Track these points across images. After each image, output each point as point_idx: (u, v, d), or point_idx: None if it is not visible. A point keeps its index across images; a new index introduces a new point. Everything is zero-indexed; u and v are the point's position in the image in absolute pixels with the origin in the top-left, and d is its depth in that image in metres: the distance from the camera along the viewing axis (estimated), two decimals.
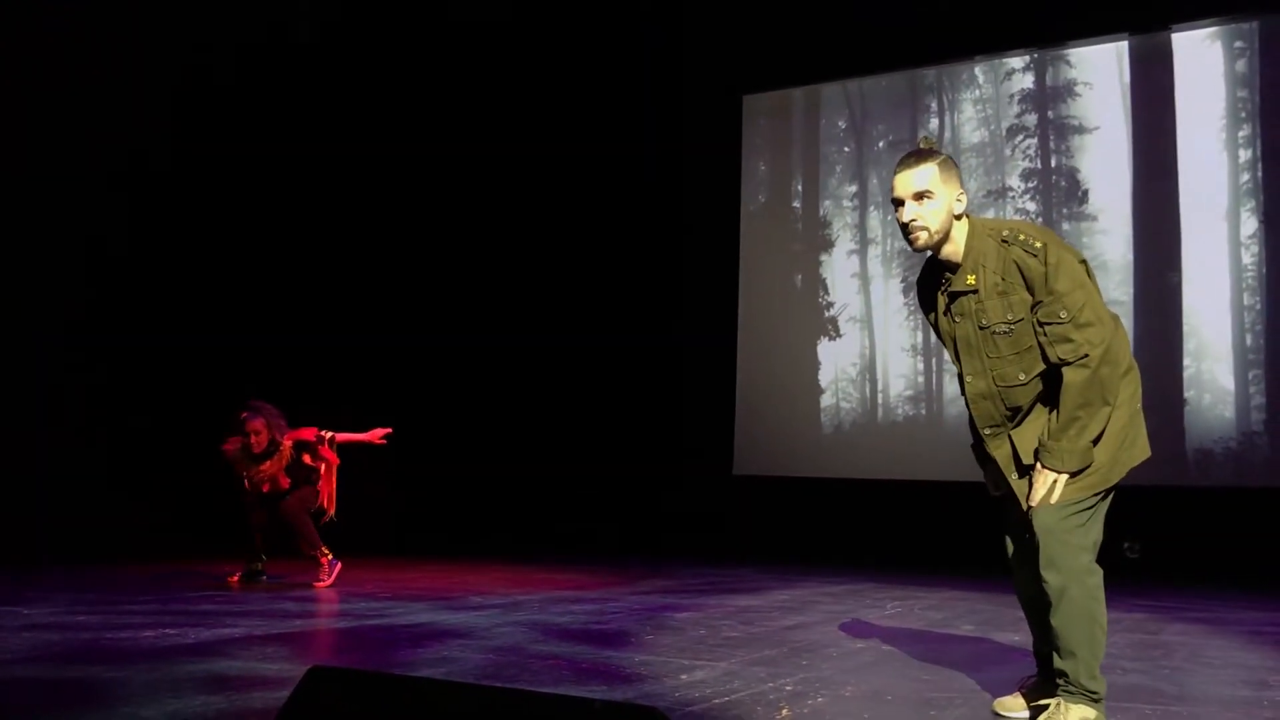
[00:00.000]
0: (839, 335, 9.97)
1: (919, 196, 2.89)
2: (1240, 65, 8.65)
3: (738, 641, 4.44)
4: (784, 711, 3.06)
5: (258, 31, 9.21)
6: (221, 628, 4.50)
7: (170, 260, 8.97)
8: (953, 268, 2.96)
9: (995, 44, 9.51)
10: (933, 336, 9.50)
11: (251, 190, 9.45)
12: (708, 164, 10.51)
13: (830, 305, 10.07)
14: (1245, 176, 8.51)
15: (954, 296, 2.96)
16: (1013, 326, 2.86)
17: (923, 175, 2.90)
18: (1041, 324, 2.81)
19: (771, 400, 10.15)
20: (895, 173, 2.95)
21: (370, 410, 7.48)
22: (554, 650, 4.10)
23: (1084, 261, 2.89)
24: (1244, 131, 8.54)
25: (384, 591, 6.13)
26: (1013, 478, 3.01)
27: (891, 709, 3.16)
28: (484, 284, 11.00)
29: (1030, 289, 2.82)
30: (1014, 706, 3.10)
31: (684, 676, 3.57)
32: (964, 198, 2.96)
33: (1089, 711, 2.81)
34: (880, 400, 9.73)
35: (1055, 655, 2.86)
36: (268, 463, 6.50)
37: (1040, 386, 2.92)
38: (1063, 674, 2.85)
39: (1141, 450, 2.94)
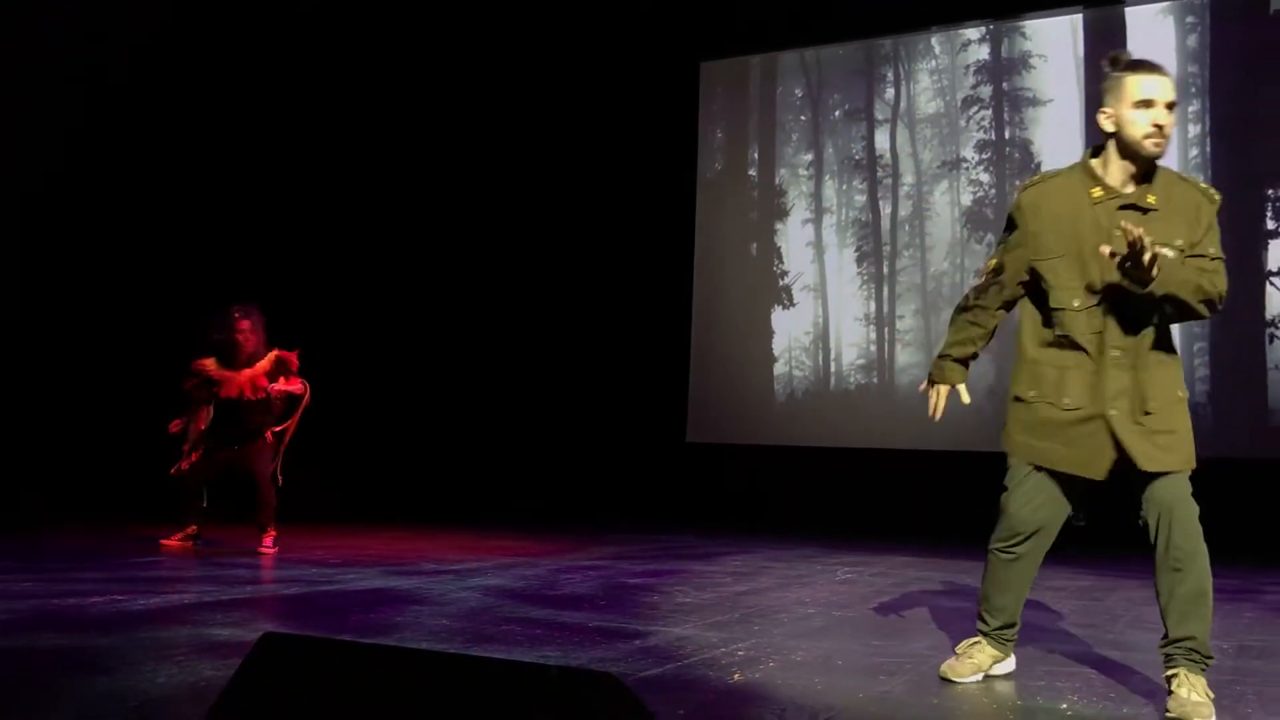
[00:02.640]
0: (793, 304, 10.01)
1: (1171, 106, 2.89)
2: (1191, 40, 8.74)
3: (690, 607, 4.47)
4: (736, 676, 3.09)
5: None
6: (171, 594, 4.45)
7: (125, 215, 8.80)
8: (1135, 181, 2.90)
9: (952, 15, 9.53)
10: (885, 305, 9.60)
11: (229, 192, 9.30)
12: (664, 131, 10.46)
13: (784, 274, 10.10)
14: (1194, 151, 8.62)
15: (1124, 208, 2.88)
16: (1177, 252, 2.83)
17: (1173, 87, 2.91)
18: (1195, 257, 2.83)
19: (725, 368, 10.18)
20: (1145, 73, 2.88)
21: (320, 378, 7.38)
22: (508, 616, 4.10)
23: None
24: (1194, 106, 8.64)
25: (335, 558, 6.09)
26: (1124, 417, 2.88)
27: (842, 674, 3.20)
28: (429, 252, 10.89)
29: (1196, 226, 2.86)
30: (962, 671, 3.14)
31: (637, 642, 3.59)
32: None
33: (1204, 680, 2.79)
34: (833, 369, 9.79)
35: (1177, 625, 2.81)
36: (246, 370, 6.29)
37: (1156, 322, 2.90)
38: (1187, 641, 2.79)
39: None
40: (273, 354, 6.35)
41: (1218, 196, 2.92)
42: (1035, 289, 3.04)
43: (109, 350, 8.69)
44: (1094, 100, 8.87)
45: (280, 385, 6.32)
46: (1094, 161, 2.98)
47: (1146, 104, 2.86)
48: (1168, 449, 2.90)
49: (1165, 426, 2.92)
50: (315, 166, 10.08)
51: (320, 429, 6.89)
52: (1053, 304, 2.96)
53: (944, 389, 3.33)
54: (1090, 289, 2.90)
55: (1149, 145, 2.86)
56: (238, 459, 6.39)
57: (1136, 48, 8.77)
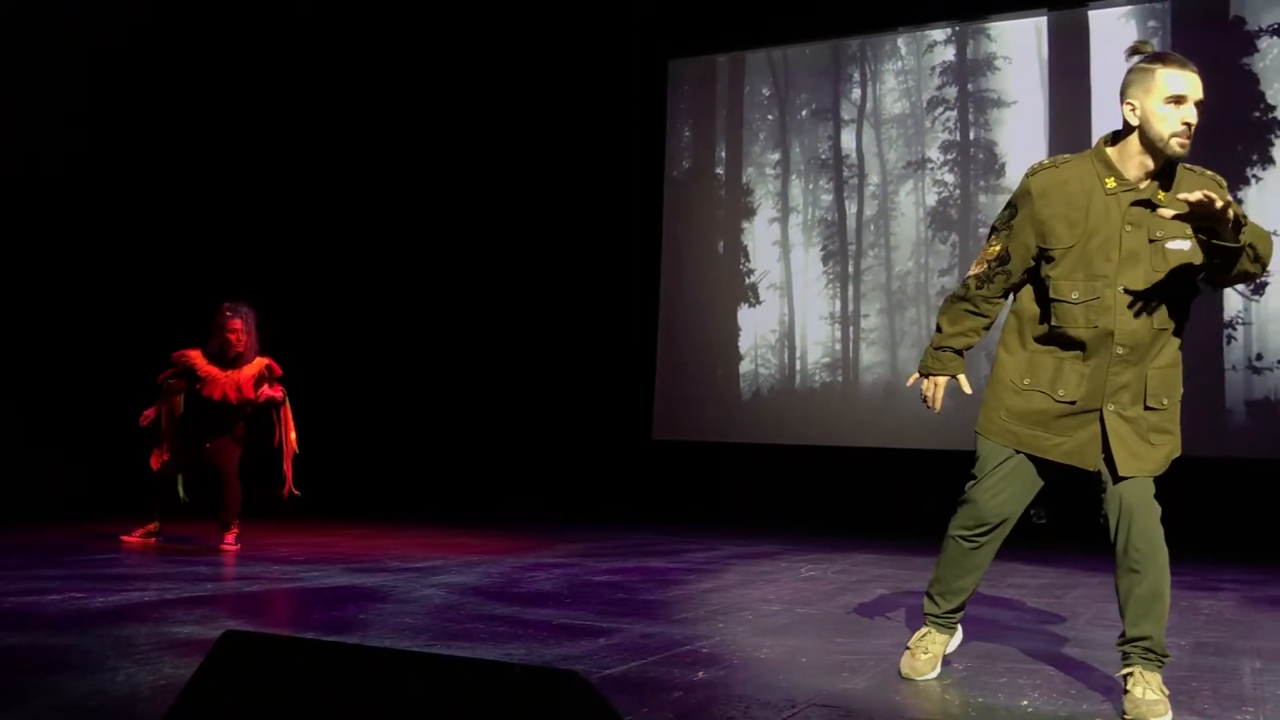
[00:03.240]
0: (759, 302, 10.05)
1: (1199, 105, 2.83)
2: (1154, 44, 8.82)
3: (655, 604, 4.48)
4: (701, 673, 3.10)
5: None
6: (131, 591, 4.41)
7: (87, 206, 8.69)
8: (1151, 177, 2.87)
9: (918, 16, 9.60)
10: (850, 304, 9.65)
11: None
12: (632, 129, 10.47)
13: (751, 272, 10.13)
14: None
15: (1137, 204, 2.86)
16: (1193, 244, 2.80)
17: (1202, 85, 2.84)
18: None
19: (691, 366, 10.21)
20: (1177, 67, 2.83)
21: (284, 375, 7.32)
22: (472, 614, 4.09)
23: None
24: None
25: (297, 555, 6.05)
26: (1126, 411, 2.88)
27: (806, 671, 3.21)
28: (394, 248, 10.83)
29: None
30: (922, 668, 3.17)
31: (602, 640, 3.59)
32: None
33: (1159, 678, 2.81)
34: (799, 367, 9.84)
35: (1134, 625, 2.83)
36: (233, 370, 6.15)
37: (1171, 321, 2.90)
38: (1143, 641, 2.81)
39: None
40: (261, 362, 6.23)
41: (1223, 181, 2.92)
42: (1035, 278, 2.97)
43: (73, 343, 8.57)
44: (1058, 102, 8.98)
45: (264, 391, 6.23)
46: (1110, 150, 2.92)
47: (1178, 100, 2.81)
48: (1144, 457, 2.89)
49: (1162, 427, 2.91)
50: (282, 165, 10.00)
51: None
52: (1052, 294, 2.88)
53: (942, 380, 3.20)
54: (1091, 282, 2.83)
55: (1175, 145, 2.81)
56: (209, 454, 6.31)
57: (1099, 50, 8.89)
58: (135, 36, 8.80)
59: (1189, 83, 2.82)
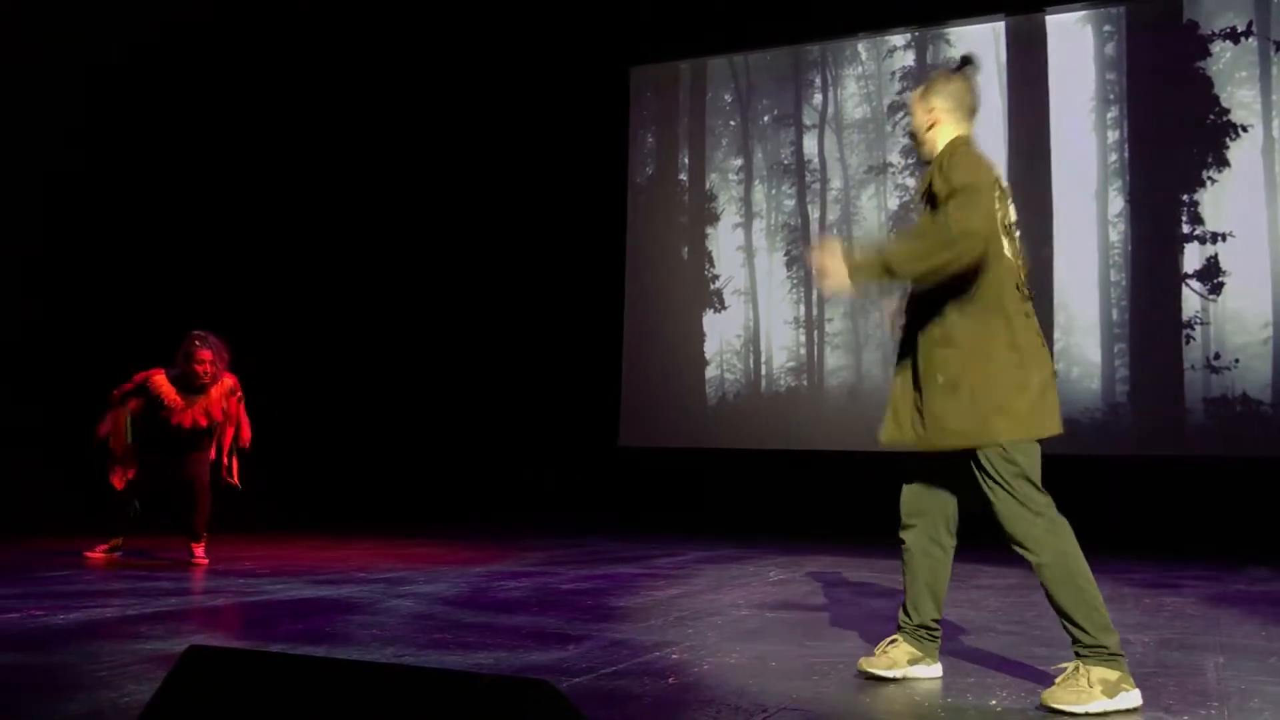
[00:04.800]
0: (724, 307, 10.07)
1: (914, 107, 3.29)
2: (1109, 49, 8.95)
3: (623, 611, 4.47)
4: (671, 679, 3.09)
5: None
6: (93, 608, 4.34)
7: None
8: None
9: (878, 22, 9.67)
10: (814, 309, 9.70)
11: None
12: (595, 135, 10.47)
13: (716, 278, 10.15)
14: (1113, 157, 8.83)
15: None
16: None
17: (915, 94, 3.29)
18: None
19: (657, 371, 10.21)
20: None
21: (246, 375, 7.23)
22: (440, 624, 4.06)
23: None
24: (1112, 113, 8.85)
25: (261, 568, 5.99)
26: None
27: (776, 675, 3.21)
28: (368, 255, 10.77)
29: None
30: (877, 664, 3.18)
31: (571, 648, 3.58)
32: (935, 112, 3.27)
33: (1109, 672, 2.80)
34: (764, 371, 9.86)
35: (1063, 623, 2.90)
36: (202, 398, 6.03)
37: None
38: (1073, 637, 2.87)
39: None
40: (227, 383, 6.12)
41: (946, 158, 3.18)
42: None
43: (22, 352, 8.46)
44: (1016, 106, 9.07)
45: (231, 407, 6.17)
46: None
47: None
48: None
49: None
50: (240, 177, 9.91)
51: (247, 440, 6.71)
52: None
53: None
54: None
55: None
56: (178, 466, 6.15)
57: (1056, 55, 9.00)
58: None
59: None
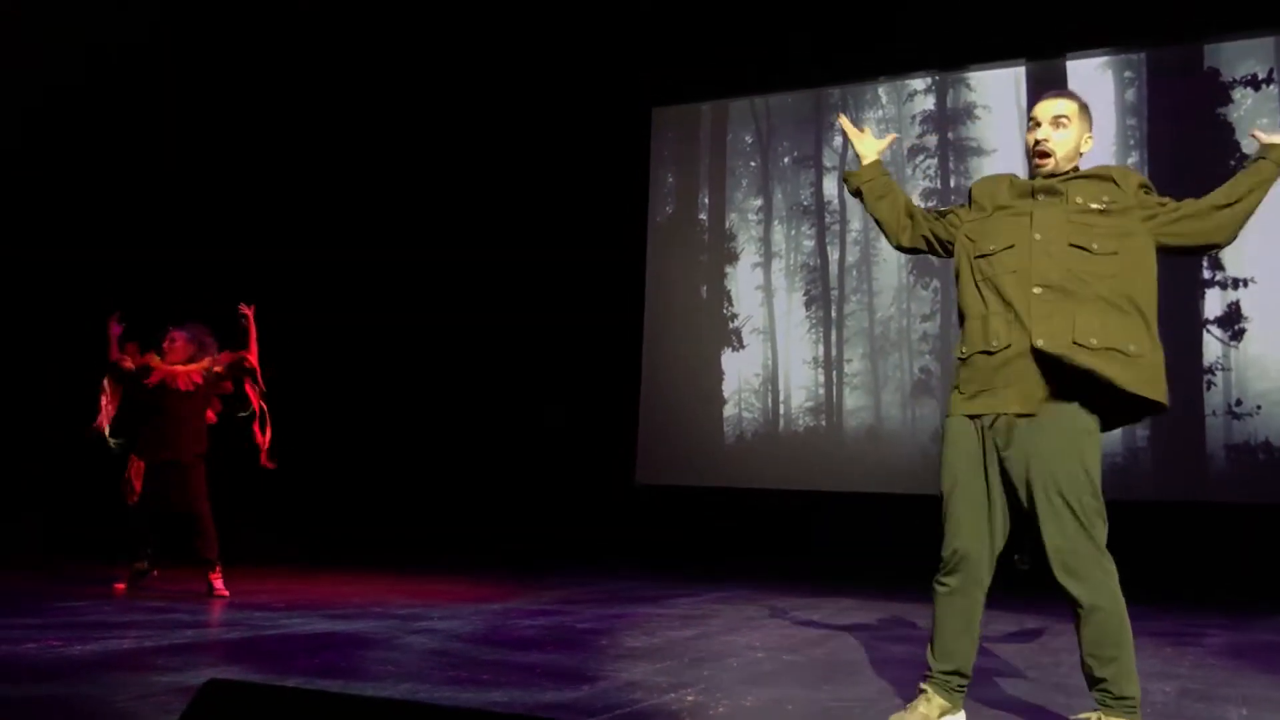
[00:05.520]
0: (742, 346, 10.08)
1: (1056, 121, 3.14)
2: (1130, 95, 8.98)
3: (640, 651, 4.45)
4: None
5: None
6: (109, 639, 4.36)
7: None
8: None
9: (898, 66, 9.73)
10: (833, 349, 9.69)
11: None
12: (616, 174, 10.54)
13: (734, 316, 10.17)
14: None
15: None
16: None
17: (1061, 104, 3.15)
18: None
19: (675, 409, 10.21)
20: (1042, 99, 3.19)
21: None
22: (455, 661, 4.06)
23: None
24: (1133, 158, 8.86)
25: (279, 601, 5.99)
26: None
27: (792, 718, 3.19)
28: (388, 291, 10.84)
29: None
30: None
31: (586, 688, 3.57)
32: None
33: None
34: (782, 411, 9.85)
35: (1090, 664, 2.88)
36: (181, 365, 6.12)
37: None
38: (1101, 682, 2.85)
39: None
40: (222, 356, 6.19)
41: (1123, 171, 3.20)
42: None
43: (35, 388, 8.53)
44: None
45: (225, 358, 6.22)
46: None
47: (1034, 123, 3.17)
48: None
49: None
50: (261, 209, 10.02)
51: (260, 469, 6.70)
52: None
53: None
54: None
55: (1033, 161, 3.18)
56: (175, 492, 6.11)
57: None
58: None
59: (1040, 107, 3.16)
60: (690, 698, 3.44)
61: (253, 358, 6.26)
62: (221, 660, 4.01)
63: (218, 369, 6.23)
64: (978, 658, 4.53)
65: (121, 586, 6.23)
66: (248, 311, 6.31)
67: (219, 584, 6.12)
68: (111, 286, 8.94)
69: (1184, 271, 8.52)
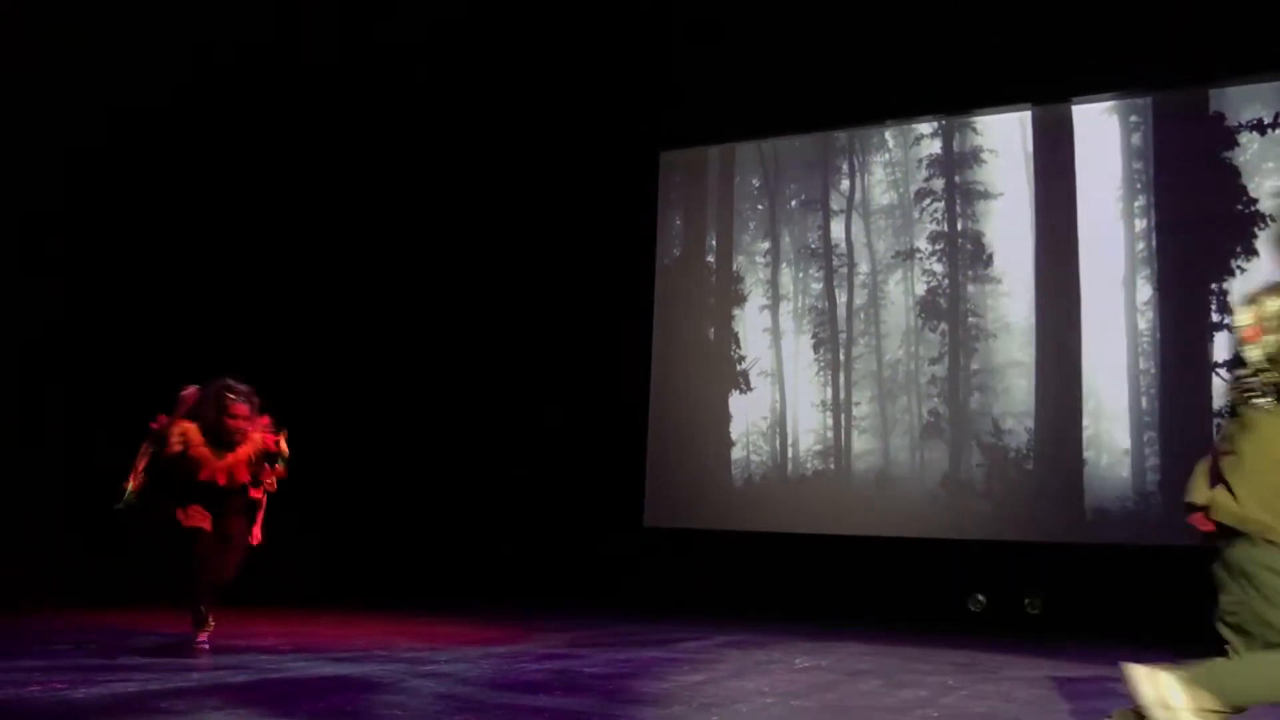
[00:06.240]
0: (750, 389, 10.07)
1: None
2: (1136, 139, 9.01)
3: (648, 697, 4.41)
4: None
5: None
6: (115, 683, 4.33)
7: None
8: None
9: (905, 110, 9.78)
10: (841, 392, 9.68)
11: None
12: (625, 218, 10.59)
13: (742, 359, 10.17)
14: (1141, 245, 8.84)
15: None
16: None
17: None
18: None
19: (682, 452, 10.18)
20: None
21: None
22: (462, 705, 4.02)
23: None
24: (1140, 202, 8.89)
25: (283, 644, 5.96)
26: None
27: None
28: (392, 331, 10.87)
29: None
30: None
31: None
32: None
33: None
34: (790, 454, 9.82)
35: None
36: (230, 454, 5.61)
37: None
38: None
39: None
40: (257, 440, 5.70)
41: None
42: None
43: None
44: (1043, 193, 9.13)
45: (262, 481, 5.77)
46: None
47: None
48: None
49: None
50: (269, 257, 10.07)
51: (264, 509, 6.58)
52: None
53: None
54: None
55: None
56: (226, 541, 5.70)
57: (1083, 144, 9.07)
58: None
59: None
60: None
61: (279, 474, 5.87)
62: (228, 704, 3.97)
63: (249, 472, 5.76)
64: (990, 702, 4.48)
65: (203, 639, 5.68)
66: (282, 440, 5.86)
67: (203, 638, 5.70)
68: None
69: (1191, 313, 8.51)
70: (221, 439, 5.65)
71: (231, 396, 5.64)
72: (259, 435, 5.75)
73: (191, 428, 5.64)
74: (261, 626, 6.84)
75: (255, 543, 5.87)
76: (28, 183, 8.42)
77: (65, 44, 8.50)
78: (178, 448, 5.59)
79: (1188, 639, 7.49)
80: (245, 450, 5.70)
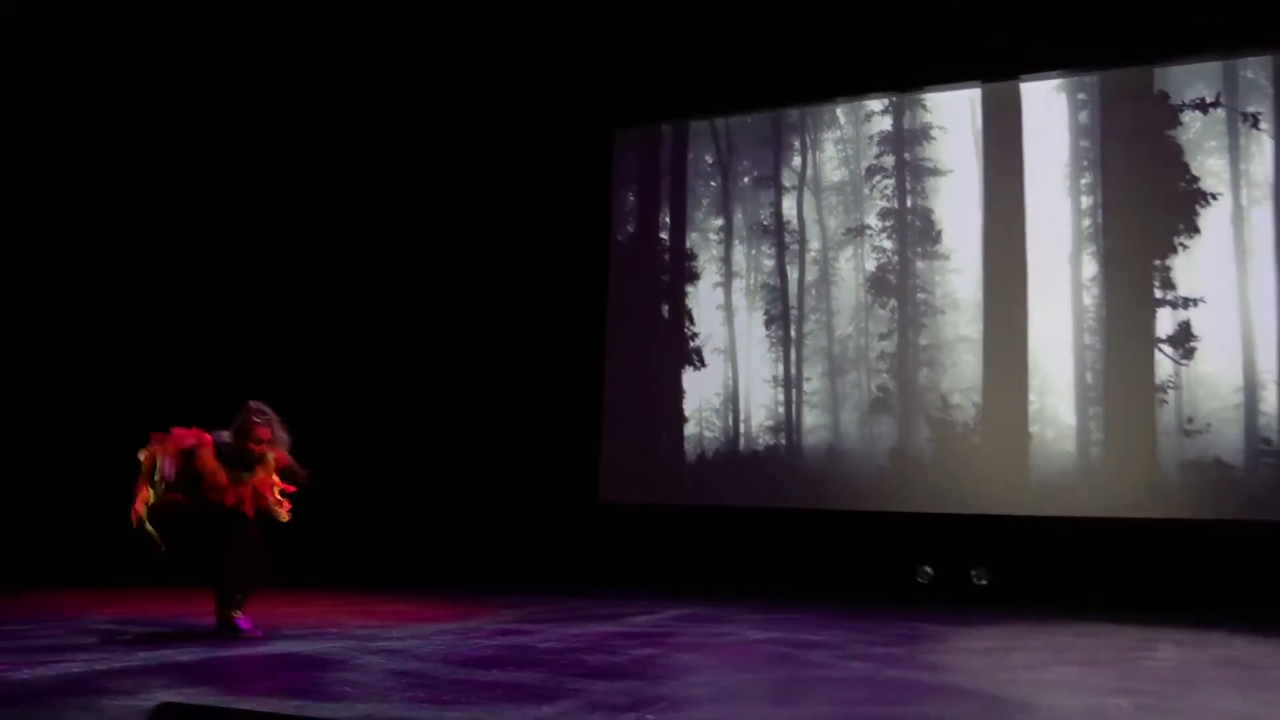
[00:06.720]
0: (703, 365, 10.11)
1: None
2: (1083, 116, 9.12)
3: (600, 670, 4.43)
4: None
5: None
6: (60, 663, 4.28)
7: None
8: None
9: (856, 87, 9.82)
10: (793, 368, 9.75)
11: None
12: (578, 194, 10.55)
13: (695, 335, 10.20)
14: (1087, 222, 8.96)
15: None
16: None
17: None
18: None
19: (637, 428, 10.21)
20: None
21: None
22: (414, 681, 4.02)
23: None
24: (1086, 179, 9.00)
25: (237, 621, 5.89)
26: None
27: None
28: (340, 307, 10.75)
29: None
30: None
31: (546, 708, 3.55)
32: None
33: None
34: (742, 429, 9.88)
35: None
36: (249, 477, 5.44)
37: None
38: None
39: None
40: (272, 465, 5.55)
41: None
42: None
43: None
44: (992, 171, 9.22)
45: (273, 503, 5.61)
46: None
47: None
48: None
49: None
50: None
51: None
52: None
53: None
54: None
55: None
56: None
57: (1031, 121, 9.17)
58: None
59: None
60: (650, 717, 3.43)
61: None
62: (175, 683, 3.94)
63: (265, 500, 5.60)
64: (938, 672, 4.55)
65: (246, 625, 5.48)
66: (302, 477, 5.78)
67: (245, 619, 5.54)
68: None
69: (1135, 289, 8.66)
70: (240, 462, 5.48)
71: (256, 419, 5.45)
72: (274, 460, 5.58)
73: (208, 447, 5.44)
74: (210, 605, 6.77)
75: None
76: (27, 185, 8.39)
77: (63, 49, 8.42)
78: (186, 442, 5.40)
79: (1127, 607, 7.67)
80: (262, 474, 5.54)
